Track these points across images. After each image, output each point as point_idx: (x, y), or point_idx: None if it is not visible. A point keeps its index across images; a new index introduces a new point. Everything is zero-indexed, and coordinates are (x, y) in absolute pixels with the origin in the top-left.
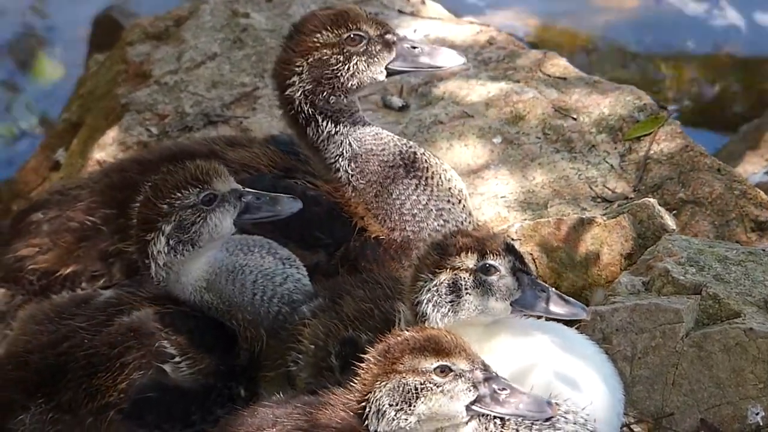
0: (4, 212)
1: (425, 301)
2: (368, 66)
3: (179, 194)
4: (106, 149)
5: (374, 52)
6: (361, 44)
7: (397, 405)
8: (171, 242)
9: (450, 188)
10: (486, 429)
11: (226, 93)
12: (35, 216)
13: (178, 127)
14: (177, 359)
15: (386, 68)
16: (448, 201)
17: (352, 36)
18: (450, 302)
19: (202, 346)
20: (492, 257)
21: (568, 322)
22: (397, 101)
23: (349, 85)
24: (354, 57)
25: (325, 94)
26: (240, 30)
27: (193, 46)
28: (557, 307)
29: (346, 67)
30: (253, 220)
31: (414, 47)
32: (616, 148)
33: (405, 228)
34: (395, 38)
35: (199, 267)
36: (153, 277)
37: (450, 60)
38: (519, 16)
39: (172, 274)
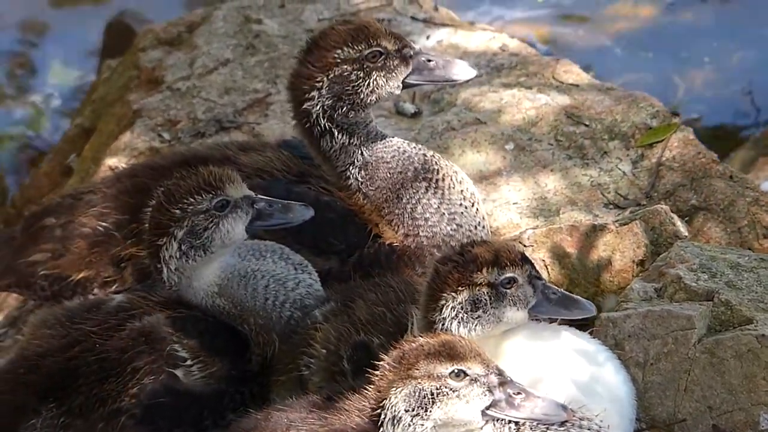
0: (17, 218)
1: (448, 318)
2: (387, 81)
3: (192, 199)
4: (118, 155)
5: (392, 66)
6: (380, 60)
7: (413, 411)
8: (183, 247)
9: (462, 191)
10: None
11: (239, 99)
12: (47, 221)
13: (190, 133)
14: (189, 362)
15: (402, 82)
16: (461, 204)
17: (372, 52)
18: (477, 318)
19: (213, 350)
20: (511, 269)
21: (581, 328)
22: (409, 108)
23: (368, 100)
24: (373, 73)
25: (344, 109)
26: (252, 36)
27: (205, 52)
28: (568, 310)
29: (366, 83)
30: (265, 227)
31: (429, 60)
32: (628, 155)
33: (418, 233)
34: (412, 52)
35: (211, 272)
36: (165, 282)
37: (463, 73)
38: (532, 24)
39: (184, 279)
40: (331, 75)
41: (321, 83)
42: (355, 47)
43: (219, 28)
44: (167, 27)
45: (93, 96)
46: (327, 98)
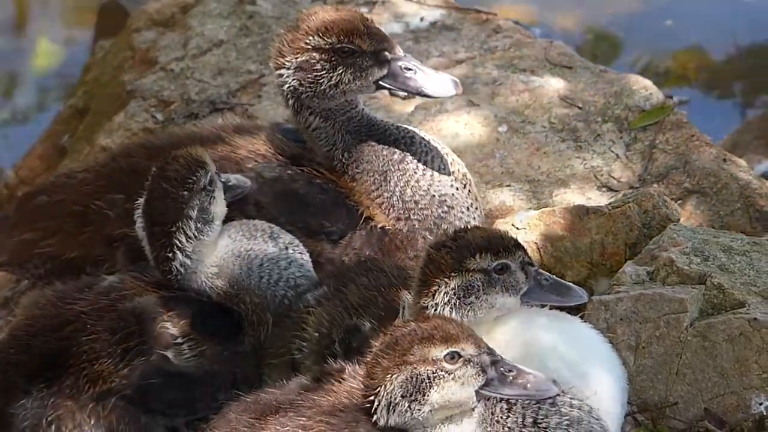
0: (10, 198)
1: (441, 304)
2: (354, 79)
3: (194, 177)
4: (112, 136)
5: (363, 66)
6: (351, 57)
7: (410, 396)
8: (198, 225)
9: (453, 172)
10: (492, 414)
11: (232, 80)
12: (40, 199)
13: (183, 114)
14: (179, 341)
15: (375, 83)
16: (451, 186)
17: (342, 47)
18: (469, 304)
19: (205, 330)
20: (504, 255)
21: (573, 312)
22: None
23: (330, 93)
24: (339, 68)
25: (306, 95)
26: (246, 17)
27: (199, 33)
28: (560, 296)
29: (330, 76)
30: (230, 199)
31: (408, 69)
32: (621, 138)
33: (410, 217)
34: (390, 56)
35: (210, 253)
36: (174, 271)
37: (440, 89)
38: (525, 6)
39: (193, 263)
40: (300, 59)
41: (290, 64)
42: (327, 38)
43: (213, 9)
44: (161, 8)
45: (87, 77)
46: (292, 79)
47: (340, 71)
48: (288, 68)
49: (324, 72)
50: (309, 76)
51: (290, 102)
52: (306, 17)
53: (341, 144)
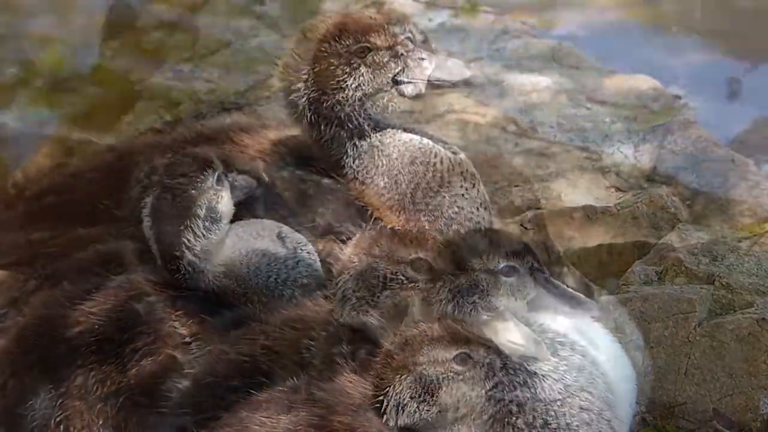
0: (18, 197)
1: (445, 300)
2: (374, 77)
3: (201, 177)
4: (120, 136)
5: (381, 63)
6: (369, 56)
7: (419, 397)
8: (206, 224)
9: (462, 172)
10: (503, 414)
11: (241, 80)
12: (48, 199)
13: (192, 114)
14: (188, 340)
15: (392, 79)
16: (461, 186)
17: (360, 47)
18: (472, 303)
19: (214, 330)
20: (512, 259)
21: None
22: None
23: (354, 96)
24: (360, 68)
25: (329, 103)
26: (255, 17)
27: (207, 33)
28: (569, 306)
29: (352, 78)
30: (238, 198)
31: (422, 59)
32: (629, 138)
33: (420, 218)
34: (404, 50)
35: (218, 252)
36: (182, 270)
37: (457, 73)
38: (533, 6)
39: (201, 262)
40: (317, 68)
41: (307, 76)
42: (343, 42)
43: (221, 9)
44: (169, 8)
45: (95, 76)
46: (312, 91)
47: (362, 71)
48: (305, 80)
49: (345, 76)
50: (332, 82)
51: (308, 116)
52: (314, 27)
53: (353, 152)
